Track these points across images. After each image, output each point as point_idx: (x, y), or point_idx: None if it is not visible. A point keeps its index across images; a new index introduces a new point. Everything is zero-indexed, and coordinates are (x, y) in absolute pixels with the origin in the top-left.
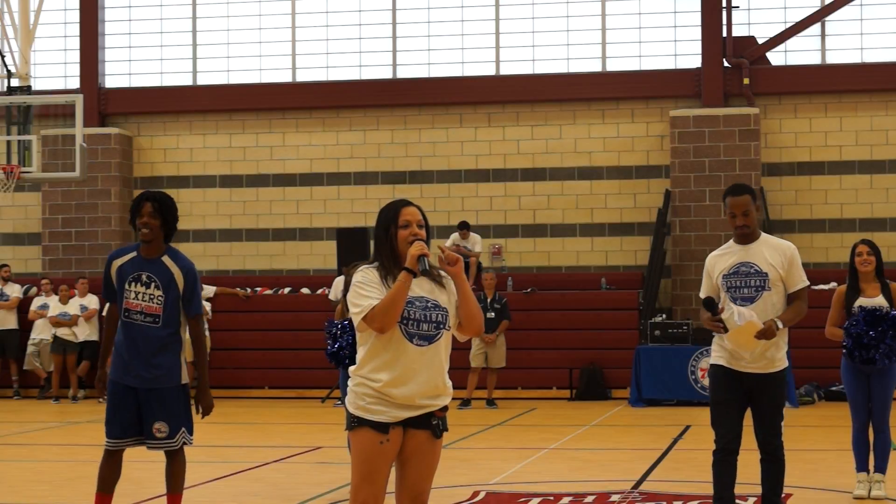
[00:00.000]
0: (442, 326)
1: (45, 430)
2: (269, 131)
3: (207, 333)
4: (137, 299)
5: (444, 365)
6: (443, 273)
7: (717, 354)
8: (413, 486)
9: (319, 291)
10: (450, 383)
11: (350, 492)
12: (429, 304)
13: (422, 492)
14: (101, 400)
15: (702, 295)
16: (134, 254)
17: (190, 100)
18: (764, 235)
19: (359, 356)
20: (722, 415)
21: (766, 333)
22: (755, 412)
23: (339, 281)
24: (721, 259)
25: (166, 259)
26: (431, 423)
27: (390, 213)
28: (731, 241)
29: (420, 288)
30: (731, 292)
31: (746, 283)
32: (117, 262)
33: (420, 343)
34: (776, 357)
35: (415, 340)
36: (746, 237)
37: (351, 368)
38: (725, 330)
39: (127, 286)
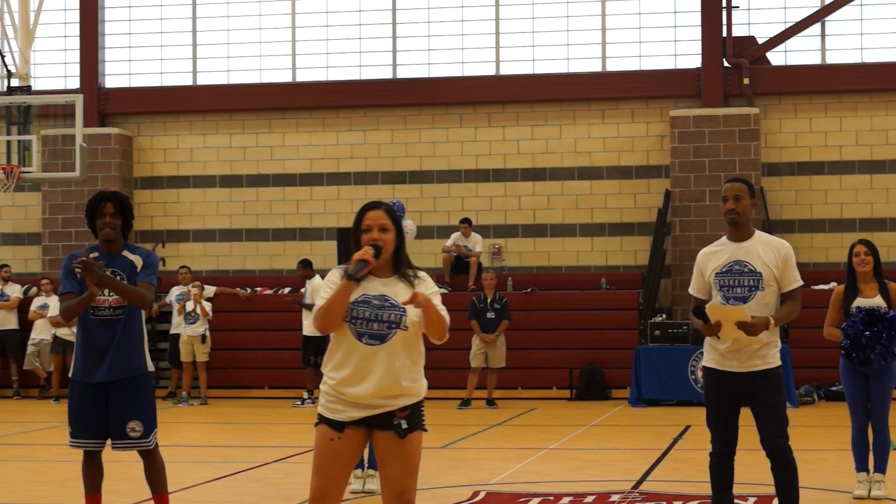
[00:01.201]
0: (395, 326)
1: (45, 430)
2: (269, 131)
3: (207, 333)
4: (105, 295)
5: (406, 365)
6: (419, 275)
7: (708, 357)
8: (393, 485)
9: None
10: (413, 384)
11: None
12: (385, 304)
13: (404, 490)
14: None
15: (691, 291)
16: (96, 253)
17: (190, 100)
18: (758, 233)
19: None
20: (714, 419)
21: (751, 329)
22: (755, 414)
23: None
24: (714, 256)
25: (126, 253)
26: (393, 424)
27: (357, 217)
28: (724, 237)
29: (384, 287)
30: (723, 291)
31: (740, 282)
32: None
33: (370, 342)
34: (768, 354)
35: (364, 339)
36: (737, 227)
37: None
38: (718, 337)
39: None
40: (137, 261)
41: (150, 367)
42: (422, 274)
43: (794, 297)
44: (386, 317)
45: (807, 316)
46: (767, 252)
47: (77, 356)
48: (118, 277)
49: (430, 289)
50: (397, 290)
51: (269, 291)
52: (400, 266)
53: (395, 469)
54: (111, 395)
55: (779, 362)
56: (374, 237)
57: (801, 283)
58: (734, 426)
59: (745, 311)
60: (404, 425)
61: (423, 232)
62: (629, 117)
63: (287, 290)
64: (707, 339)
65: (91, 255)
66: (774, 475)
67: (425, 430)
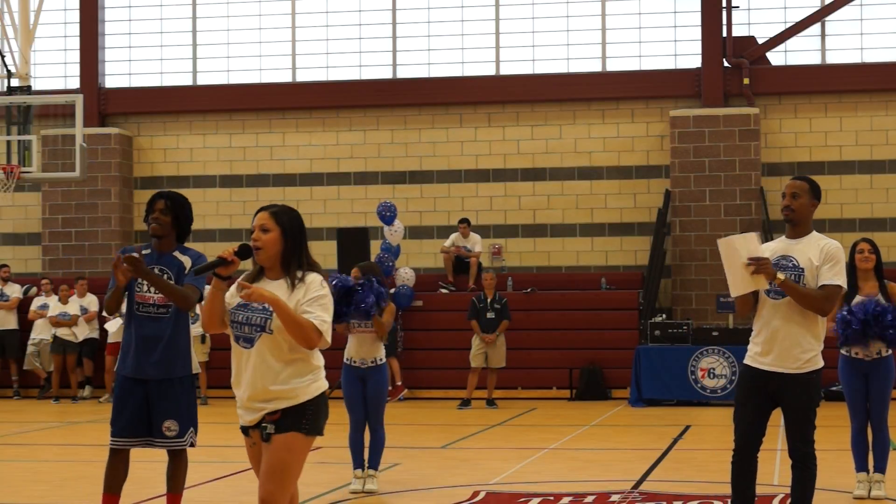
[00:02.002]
0: (261, 329)
1: (45, 430)
2: (269, 131)
3: (207, 333)
4: (150, 292)
5: (276, 368)
6: (306, 278)
7: (748, 355)
8: (259, 488)
9: None
10: (288, 387)
11: None
12: (257, 308)
13: (264, 494)
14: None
15: None
16: (148, 250)
17: (190, 100)
18: (815, 234)
19: None
20: (740, 416)
21: (762, 265)
22: (784, 415)
23: None
24: (767, 248)
25: (177, 253)
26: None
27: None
28: (784, 234)
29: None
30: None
31: None
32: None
33: (244, 345)
34: (804, 357)
35: (240, 342)
36: (792, 225)
37: None
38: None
39: (139, 280)
40: (187, 262)
41: (196, 368)
42: (309, 277)
43: (827, 290)
44: (255, 320)
45: None
46: (815, 250)
47: (121, 350)
48: (164, 275)
49: (309, 293)
50: (275, 293)
51: None
52: (288, 268)
53: (264, 470)
54: (151, 393)
55: (817, 366)
56: (254, 238)
57: (839, 284)
58: (758, 426)
59: (756, 241)
60: (269, 429)
61: (423, 232)
62: (629, 117)
63: None
64: (751, 337)
65: (143, 252)
66: (793, 475)
67: (308, 434)
